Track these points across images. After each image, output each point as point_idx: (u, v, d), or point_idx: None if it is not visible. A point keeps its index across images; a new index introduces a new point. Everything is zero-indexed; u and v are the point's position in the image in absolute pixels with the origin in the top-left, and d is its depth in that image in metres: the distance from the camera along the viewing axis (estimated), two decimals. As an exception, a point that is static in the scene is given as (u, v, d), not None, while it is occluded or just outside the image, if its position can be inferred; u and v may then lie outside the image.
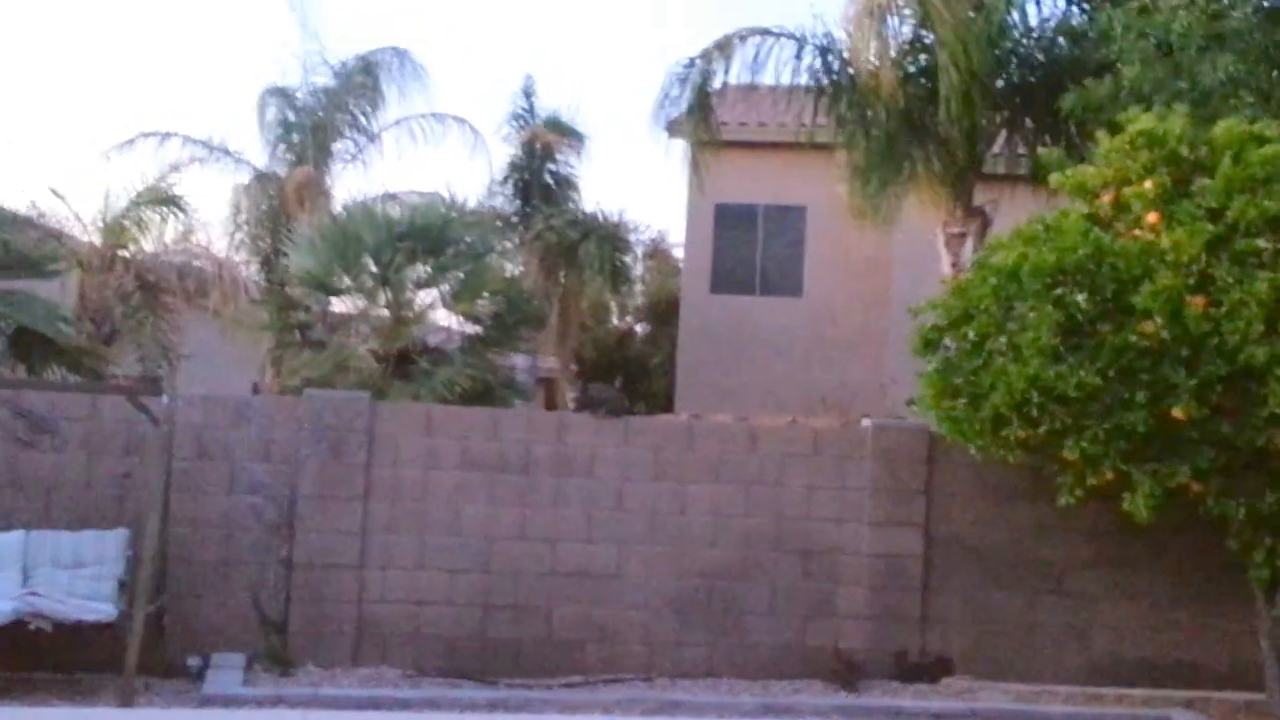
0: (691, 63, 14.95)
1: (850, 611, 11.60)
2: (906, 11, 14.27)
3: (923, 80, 14.24)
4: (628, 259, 24.22)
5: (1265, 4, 11.90)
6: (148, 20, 45.15)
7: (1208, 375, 9.37)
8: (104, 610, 10.14)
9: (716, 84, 15.40)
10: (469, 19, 47.93)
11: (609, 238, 23.03)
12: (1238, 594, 11.02)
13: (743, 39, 14.88)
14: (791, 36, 14.85)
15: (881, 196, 15.36)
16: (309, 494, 11.32)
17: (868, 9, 13.75)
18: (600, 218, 23.55)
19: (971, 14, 13.64)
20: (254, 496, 11.31)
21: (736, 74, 15.22)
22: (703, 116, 15.17)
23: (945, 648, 11.62)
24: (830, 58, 14.77)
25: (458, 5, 47.52)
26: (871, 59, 13.80)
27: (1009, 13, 13.80)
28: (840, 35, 14.56)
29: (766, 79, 15.39)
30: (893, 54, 14.66)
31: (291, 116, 22.68)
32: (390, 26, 49.60)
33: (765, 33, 14.88)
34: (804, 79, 15.04)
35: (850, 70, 14.49)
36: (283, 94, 22.83)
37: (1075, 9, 14.34)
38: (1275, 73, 11.52)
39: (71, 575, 10.47)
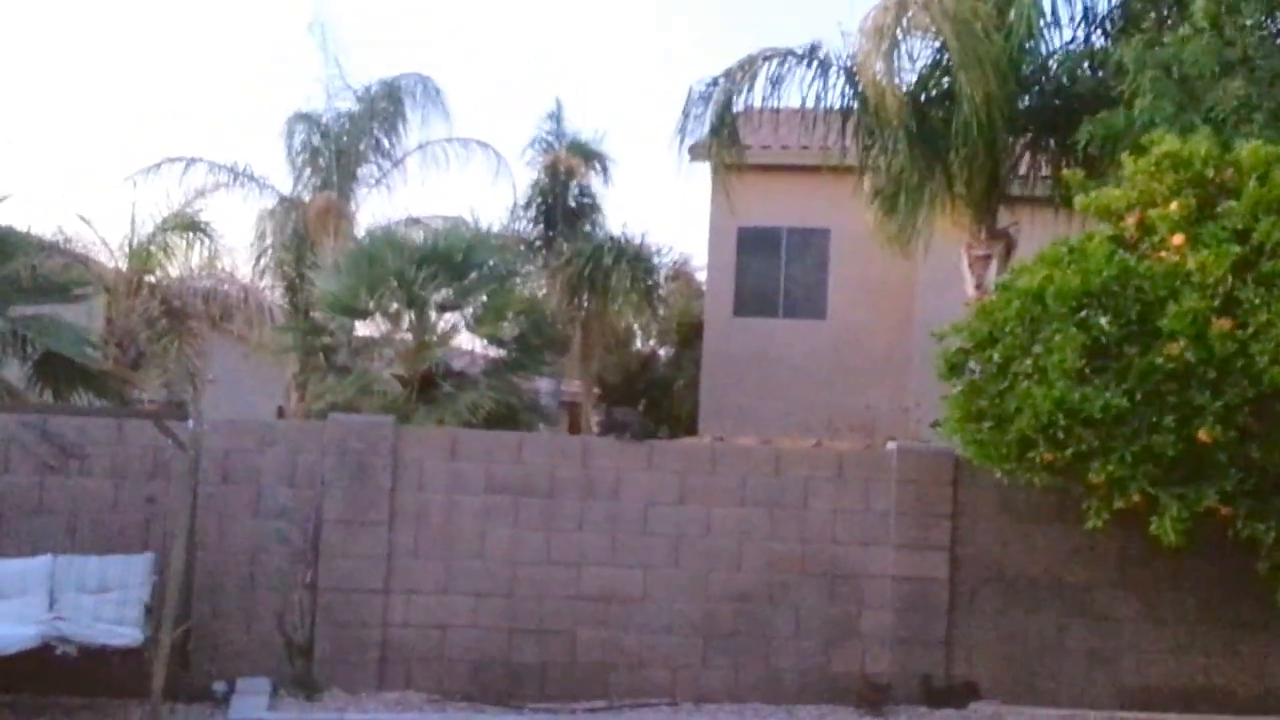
0: (714, 83, 14.97)
1: (876, 635, 11.55)
2: (926, 34, 14.25)
3: (945, 102, 14.22)
4: (651, 281, 24.25)
5: (1274, 28, 11.88)
6: (173, 46, 45.47)
7: (1234, 398, 9.31)
8: (129, 635, 10.14)
9: (739, 106, 15.40)
10: (491, 42, 48.15)
11: (637, 258, 23.08)
12: (1268, 617, 10.95)
13: (766, 59, 14.89)
14: (813, 57, 14.85)
15: (904, 219, 15.34)
16: (334, 518, 11.33)
17: (876, 29, 13.75)
18: (627, 241, 23.60)
19: (992, 36, 13.60)
20: (279, 521, 11.32)
21: (759, 96, 15.22)
22: (726, 139, 15.18)
23: (972, 672, 11.55)
24: (852, 80, 14.76)
25: (480, 29, 47.74)
26: (879, 80, 13.76)
27: (1030, 37, 13.75)
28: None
29: (790, 101, 15.39)
30: (914, 75, 14.69)
31: (317, 142, 22.83)
32: (413, 51, 49.75)
33: (788, 54, 14.89)
34: (827, 101, 15.04)
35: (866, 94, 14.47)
36: (308, 119, 22.99)
37: (1097, 33, 14.31)
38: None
39: (97, 600, 10.48)
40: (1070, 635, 11.60)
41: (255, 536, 11.29)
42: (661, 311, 27.28)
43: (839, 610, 11.59)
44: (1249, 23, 11.71)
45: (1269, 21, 12.00)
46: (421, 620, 11.38)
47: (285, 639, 11.16)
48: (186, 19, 45.17)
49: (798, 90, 15.07)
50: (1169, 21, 12.93)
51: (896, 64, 13.98)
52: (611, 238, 23.84)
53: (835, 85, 14.93)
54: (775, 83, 14.98)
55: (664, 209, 48.93)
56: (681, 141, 15.18)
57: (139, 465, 11.22)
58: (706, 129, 15.15)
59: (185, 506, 10.48)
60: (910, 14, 13.83)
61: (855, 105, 14.85)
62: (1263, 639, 11.35)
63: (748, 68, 14.87)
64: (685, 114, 15.03)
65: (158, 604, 10.33)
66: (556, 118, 25.70)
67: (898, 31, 13.84)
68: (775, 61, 14.88)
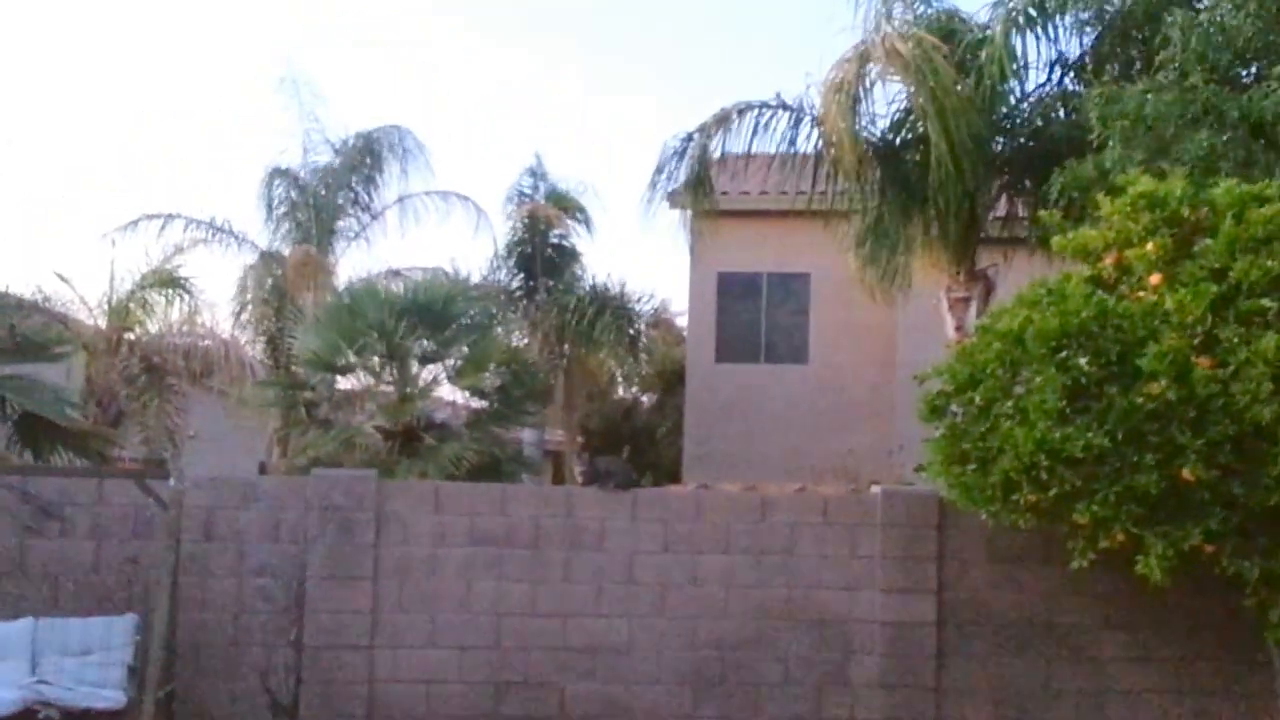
0: (690, 137, 15.04)
1: (865, 681, 11.51)
2: (896, 81, 14.34)
3: (920, 147, 14.30)
4: (631, 328, 24.27)
5: (1243, 77, 11.98)
6: (149, 100, 45.55)
7: (1216, 436, 9.32)
8: (113, 697, 10.08)
9: (715, 154, 15.46)
10: (468, 93, 48.35)
11: (617, 307, 23.10)
12: (1256, 654, 10.94)
13: (740, 113, 14.97)
14: (787, 107, 14.93)
15: (882, 264, 15.39)
16: (318, 574, 11.27)
17: (835, 84, 13.84)
18: (604, 288, 23.63)
19: (959, 84, 13.69)
20: (262, 578, 11.26)
21: (735, 144, 15.28)
22: (701, 189, 15.22)
23: (962, 716, 11.51)
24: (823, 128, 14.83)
25: (454, 80, 47.95)
26: (839, 129, 13.84)
27: (1003, 80, 13.84)
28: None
29: (765, 148, 15.45)
30: (887, 120, 14.77)
31: (295, 196, 22.84)
32: (390, 103, 49.97)
33: (762, 105, 14.97)
34: (801, 148, 15.11)
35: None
36: (285, 174, 23.00)
37: (1070, 76, 14.40)
38: (1261, 141, 11.57)
39: (80, 662, 10.40)
40: (1059, 677, 11.57)
41: (239, 594, 11.22)
42: (644, 357, 27.28)
43: (827, 656, 11.55)
44: (1219, 67, 11.78)
45: (1244, 71, 12.09)
46: (408, 675, 11.31)
47: (270, 697, 11.07)
48: (160, 72, 45.30)
49: (772, 140, 15.13)
50: (1136, 66, 13.02)
51: (856, 119, 14.05)
52: (593, 287, 23.87)
53: (808, 134, 15.01)
54: (750, 133, 15.05)
55: (644, 256, 49.08)
56: (654, 194, 15.23)
57: (120, 525, 11.16)
58: (682, 180, 15.21)
59: (167, 566, 10.44)
60: (873, 65, 13.92)
61: (827, 152, 14.92)
62: (1252, 676, 11.33)
63: (721, 119, 14.95)
64: (660, 168, 15.11)
65: (141, 665, 10.27)
66: (536, 171, 25.78)
67: (860, 86, 13.94)
68: (750, 114, 14.95)
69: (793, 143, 15.06)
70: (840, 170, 14.37)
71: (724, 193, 16.75)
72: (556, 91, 47.62)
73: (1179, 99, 11.51)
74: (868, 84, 14.11)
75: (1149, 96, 11.60)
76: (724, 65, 47.32)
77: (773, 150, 15.40)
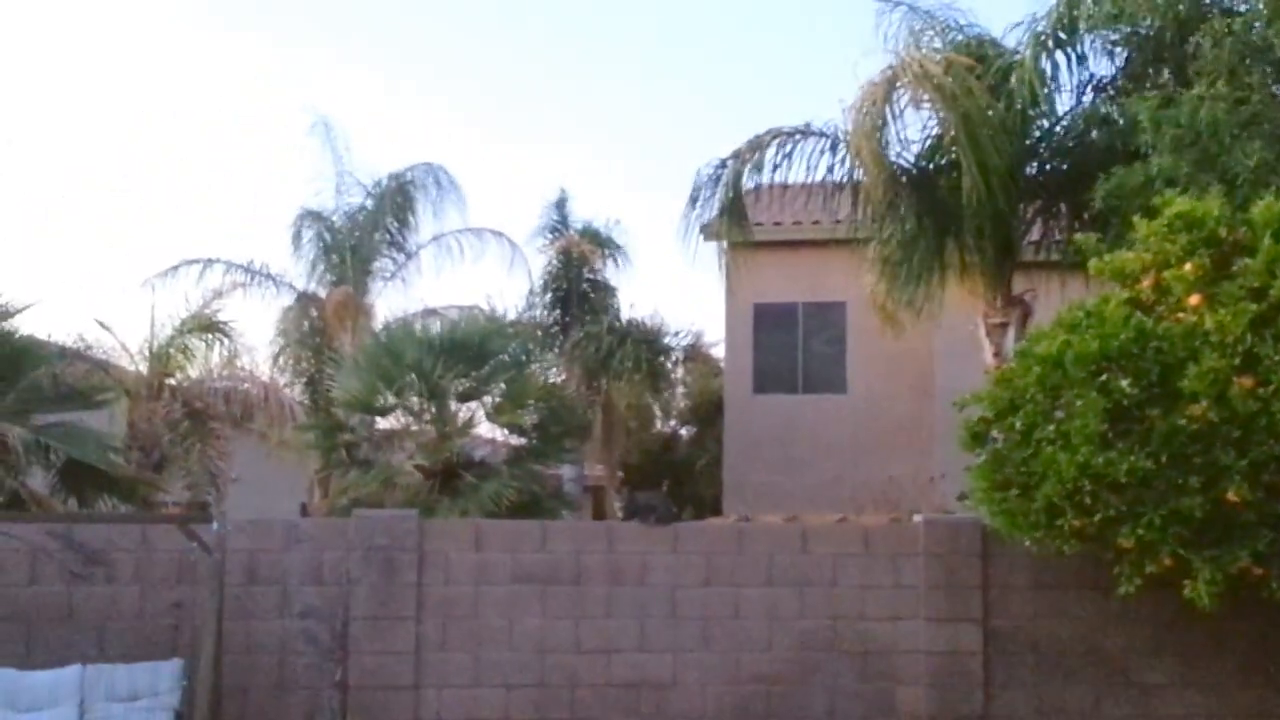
0: (723, 164, 15.03)
1: (912, 712, 11.42)
2: (927, 107, 14.33)
3: (952, 172, 14.28)
4: (666, 361, 24.27)
5: (1269, 91, 11.92)
6: (187, 147, 46.02)
7: (1260, 456, 9.25)
8: (160, 743, 10.10)
9: (748, 184, 15.44)
10: (494, 127, 48.61)
11: (644, 341, 23.12)
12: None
13: (772, 139, 14.95)
14: (820, 134, 14.92)
15: (916, 290, 15.33)
16: (361, 615, 11.29)
17: (861, 107, 13.82)
18: (637, 322, 23.66)
19: (992, 107, 13.66)
20: (307, 620, 11.29)
21: (768, 174, 15.27)
22: (736, 218, 15.19)
23: (1011, 745, 11.41)
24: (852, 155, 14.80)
25: (481, 115, 48.21)
26: (872, 160, 13.82)
27: (1035, 105, 13.82)
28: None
29: (797, 176, 15.42)
30: (920, 145, 14.74)
31: (327, 237, 22.99)
32: (421, 140, 50.28)
33: (795, 132, 14.96)
34: (834, 176, 15.09)
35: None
36: (318, 216, 23.16)
37: (1103, 97, 14.36)
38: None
39: (127, 708, 10.45)
40: (1108, 704, 11.45)
41: (283, 637, 11.25)
42: (681, 390, 27.27)
43: (873, 688, 11.47)
44: (1254, 81, 11.74)
45: (1275, 80, 12.04)
46: (453, 714, 11.30)
47: (317, 740, 11.09)
48: (194, 116, 45.77)
49: (805, 166, 15.11)
50: (1170, 86, 12.98)
51: (884, 143, 14.04)
52: (627, 321, 23.91)
53: (841, 160, 14.99)
54: (782, 160, 15.01)
55: (679, 288, 49.10)
56: (689, 225, 15.20)
57: (165, 570, 11.22)
58: (716, 211, 15.20)
59: (212, 610, 10.47)
60: (901, 90, 13.90)
61: (860, 179, 14.90)
62: (1304, 699, 11.20)
63: (755, 147, 14.94)
64: (694, 197, 15.08)
65: (188, 710, 10.30)
66: (561, 205, 25.90)
67: (888, 110, 13.93)
68: (781, 140, 14.93)
69: (828, 170, 15.03)
70: (868, 194, 14.31)
71: (758, 223, 16.71)
72: (582, 123, 47.76)
73: (1229, 110, 11.46)
74: (898, 109, 14.10)
75: (1204, 103, 11.54)
76: (751, 94, 47.40)
77: (805, 178, 15.37)
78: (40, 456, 14.27)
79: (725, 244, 16.12)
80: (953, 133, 13.63)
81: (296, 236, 23.12)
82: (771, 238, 19.48)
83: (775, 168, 15.12)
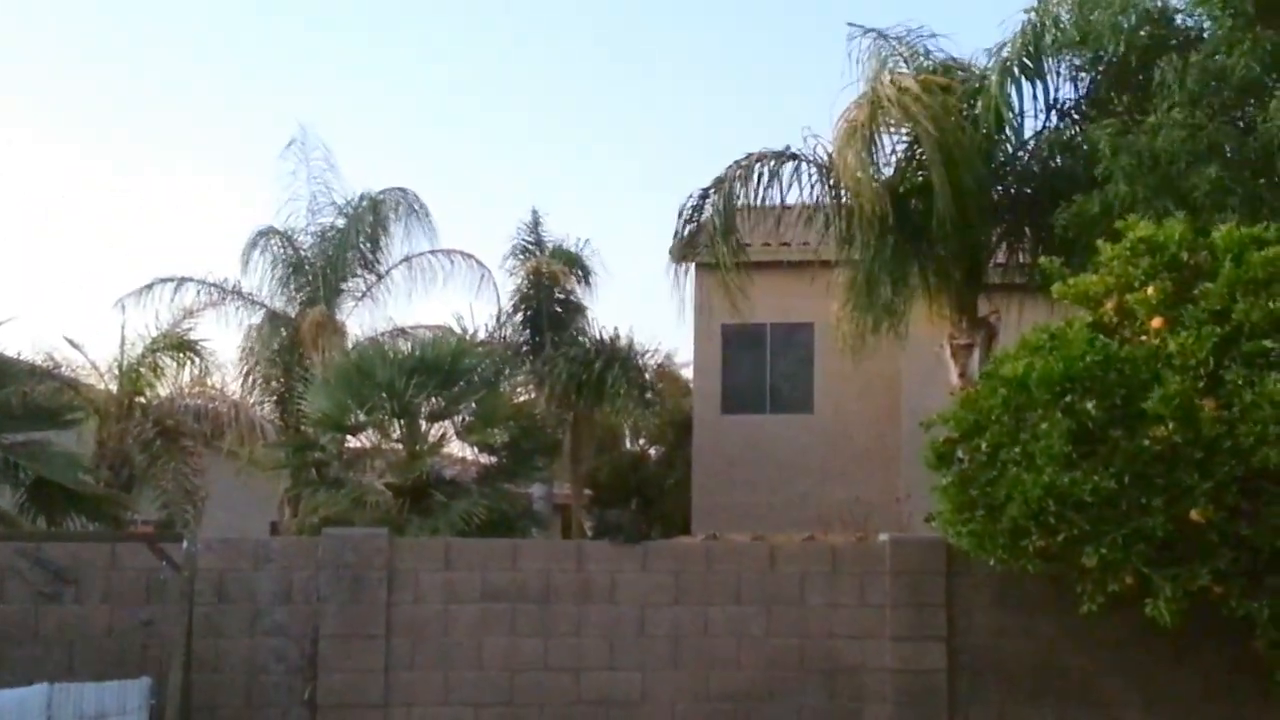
0: (705, 194, 15.07)
1: (878, 730, 11.51)
2: (899, 129, 14.46)
3: (921, 195, 14.41)
4: (643, 381, 24.31)
5: (1238, 117, 12.13)
6: (152, 169, 45.89)
7: (1223, 477, 9.40)
8: (129, 761, 10.09)
9: (722, 208, 15.47)
10: (467, 150, 48.70)
11: (623, 360, 23.16)
12: (1266, 694, 10.93)
13: (753, 162, 15.00)
14: (792, 157, 15.03)
15: (883, 313, 15.43)
16: (331, 633, 11.31)
17: (850, 130, 13.94)
18: (616, 343, 23.71)
19: (964, 130, 13.81)
20: (276, 638, 11.31)
21: (740, 197, 15.34)
22: (722, 246, 15.15)
23: (976, 763, 11.50)
24: (828, 176, 14.94)
25: (451, 138, 48.29)
26: (857, 176, 13.94)
27: (1001, 129, 13.99)
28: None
29: (772, 199, 15.49)
30: (888, 172, 14.85)
31: (289, 255, 22.92)
32: (391, 163, 50.30)
33: (772, 155, 15.02)
34: (806, 197, 15.19)
35: (844, 191, 14.64)
36: (280, 234, 23.09)
37: (1067, 122, 14.53)
38: (1261, 180, 11.71)
39: (96, 728, 10.41)
40: (1072, 721, 11.56)
41: (252, 655, 11.27)
42: (650, 411, 27.30)
43: (839, 705, 11.56)
44: (1214, 108, 11.94)
45: (1239, 112, 12.24)
46: (422, 733, 11.32)
47: (285, 757, 11.09)
48: (168, 136, 45.67)
49: (778, 190, 15.19)
50: (1131, 111, 13.16)
51: (871, 159, 14.16)
52: (600, 341, 23.95)
53: (812, 183, 15.09)
54: (757, 184, 15.10)
55: (646, 309, 49.24)
56: (675, 249, 15.28)
57: (133, 589, 11.23)
58: (698, 237, 15.23)
59: (181, 628, 10.47)
60: (881, 111, 14.02)
61: (832, 201, 15.02)
62: (1264, 715, 11.31)
63: (733, 173, 15.01)
64: (677, 223, 15.13)
65: (156, 727, 10.28)
66: (534, 227, 25.96)
67: (872, 128, 14.03)
68: (757, 164, 15.02)
69: (799, 192, 15.11)
70: (858, 212, 14.35)
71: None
72: (559, 144, 47.94)
73: (1188, 135, 11.64)
74: (875, 132, 14.20)
75: (1161, 131, 11.71)
76: (713, 118, 47.69)
77: (779, 201, 15.46)
78: (9, 475, 14.21)
79: (694, 267, 16.19)
80: (925, 155, 13.75)
81: (247, 254, 22.96)
82: (740, 259, 19.54)
83: (752, 191, 15.18)
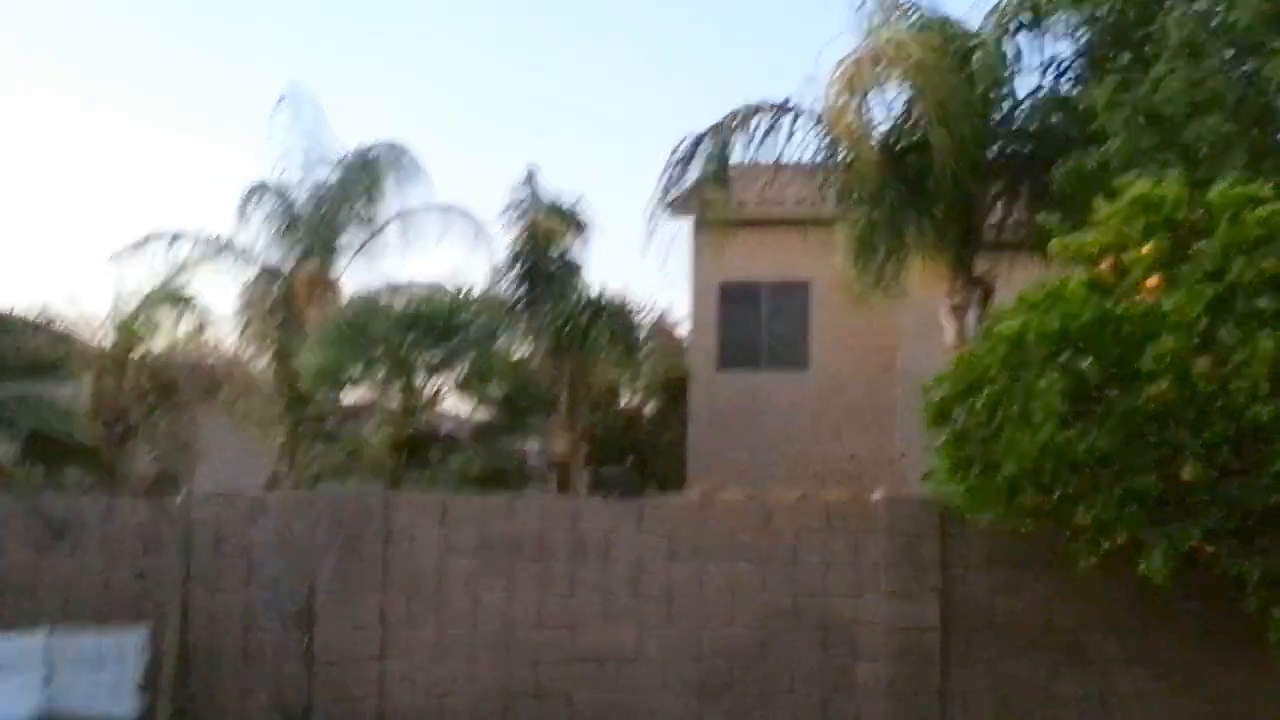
0: (697, 141, 14.99)
1: (871, 686, 11.57)
2: (899, 84, 14.40)
3: (917, 153, 14.37)
4: (637, 337, 24.28)
5: (1244, 68, 12.08)
6: (153, 121, 45.70)
7: (1215, 436, 9.42)
8: (125, 709, 10.20)
9: (724, 159, 15.37)
10: (456, 103, 48.49)
11: (618, 316, 23.14)
12: (1259, 654, 10.99)
13: (748, 114, 14.92)
14: (789, 109, 14.96)
15: (881, 271, 15.41)
16: (326, 587, 11.36)
17: (848, 82, 13.89)
18: (609, 299, 23.67)
19: (959, 87, 13.76)
20: (272, 591, 11.34)
21: (736, 152, 15.26)
22: (714, 194, 15.10)
23: (968, 719, 11.57)
24: (827, 130, 14.86)
25: (446, 92, 48.07)
26: (854, 130, 13.89)
27: (997, 87, 13.94)
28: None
29: (769, 154, 15.42)
30: (882, 129, 14.80)
31: (293, 211, 22.88)
32: (388, 116, 50.05)
33: (772, 107, 14.94)
34: (802, 154, 15.13)
35: (841, 146, 14.58)
36: (273, 190, 23.04)
37: (1064, 80, 14.49)
38: (1264, 133, 11.67)
39: (93, 675, 10.51)
40: (1063, 680, 11.61)
41: (248, 608, 11.32)
42: (646, 367, 27.28)
43: (833, 662, 11.62)
44: (1214, 63, 11.89)
45: (1237, 61, 12.19)
46: (418, 686, 11.40)
47: (281, 709, 11.15)
48: (163, 91, 45.46)
49: (775, 144, 15.11)
50: (1140, 63, 13.11)
51: (869, 114, 14.12)
52: (588, 297, 23.92)
53: (811, 137, 15.02)
54: (755, 137, 15.01)
55: (644, 265, 49.08)
56: (663, 200, 15.14)
57: (131, 541, 11.27)
58: (690, 185, 15.17)
59: (177, 580, 10.52)
60: (881, 65, 13.96)
61: (830, 157, 14.96)
62: (1255, 676, 11.38)
63: (728, 123, 14.93)
64: (667, 173, 15.01)
65: (152, 677, 10.35)
66: (529, 181, 25.87)
67: (870, 82, 13.97)
68: (755, 116, 14.92)
69: (798, 146, 15.03)
70: (855, 168, 14.29)
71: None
72: (546, 101, 47.69)
73: (1187, 87, 11.59)
74: (872, 87, 14.14)
75: (1158, 84, 11.67)
76: (717, 71, 47.44)
77: (776, 156, 15.39)
78: (5, 427, 14.26)
79: (693, 222, 16.15)
80: (923, 112, 13.71)
81: (243, 209, 22.92)
82: (737, 216, 19.52)
83: (750, 144, 15.08)
